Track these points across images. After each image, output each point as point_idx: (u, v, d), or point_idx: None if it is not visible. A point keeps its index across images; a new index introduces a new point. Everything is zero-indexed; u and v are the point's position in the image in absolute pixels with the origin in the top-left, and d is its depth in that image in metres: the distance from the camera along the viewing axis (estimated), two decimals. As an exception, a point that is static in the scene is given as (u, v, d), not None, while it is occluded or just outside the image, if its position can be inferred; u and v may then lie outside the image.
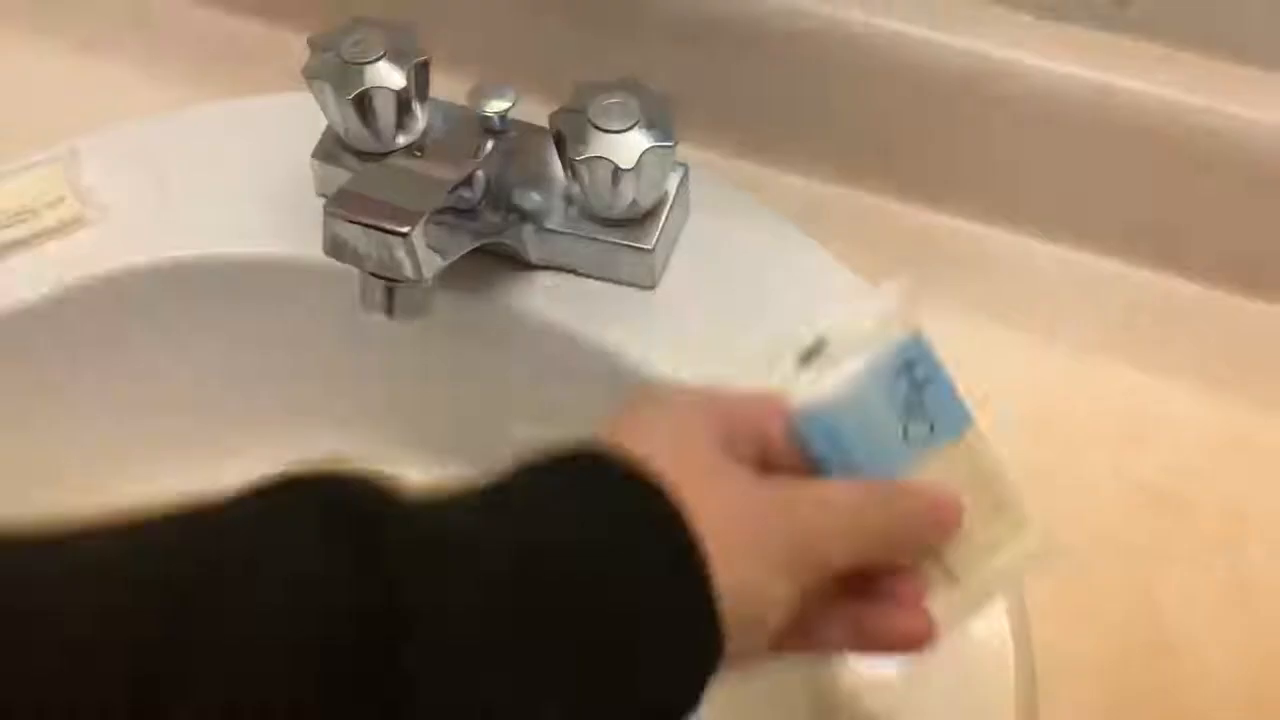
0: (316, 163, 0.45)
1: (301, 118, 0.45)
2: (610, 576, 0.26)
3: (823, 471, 0.30)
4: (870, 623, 0.30)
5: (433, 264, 0.39)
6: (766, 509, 0.28)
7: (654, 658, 0.26)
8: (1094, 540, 0.40)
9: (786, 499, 0.29)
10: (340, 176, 0.42)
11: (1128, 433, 0.43)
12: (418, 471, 0.49)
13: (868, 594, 0.30)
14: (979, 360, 0.34)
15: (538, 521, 0.26)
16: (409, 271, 0.38)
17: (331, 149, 0.45)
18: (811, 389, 0.30)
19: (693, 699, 0.27)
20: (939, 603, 0.31)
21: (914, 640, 0.30)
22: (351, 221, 0.37)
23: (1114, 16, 0.43)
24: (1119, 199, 0.46)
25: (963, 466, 0.32)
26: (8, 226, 0.45)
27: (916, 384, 0.31)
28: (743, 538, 0.27)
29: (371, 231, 0.37)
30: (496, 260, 0.44)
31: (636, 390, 0.32)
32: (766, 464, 0.30)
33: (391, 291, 0.39)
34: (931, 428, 0.31)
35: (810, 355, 0.31)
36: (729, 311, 0.43)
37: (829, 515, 0.29)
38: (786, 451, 0.30)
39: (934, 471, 0.31)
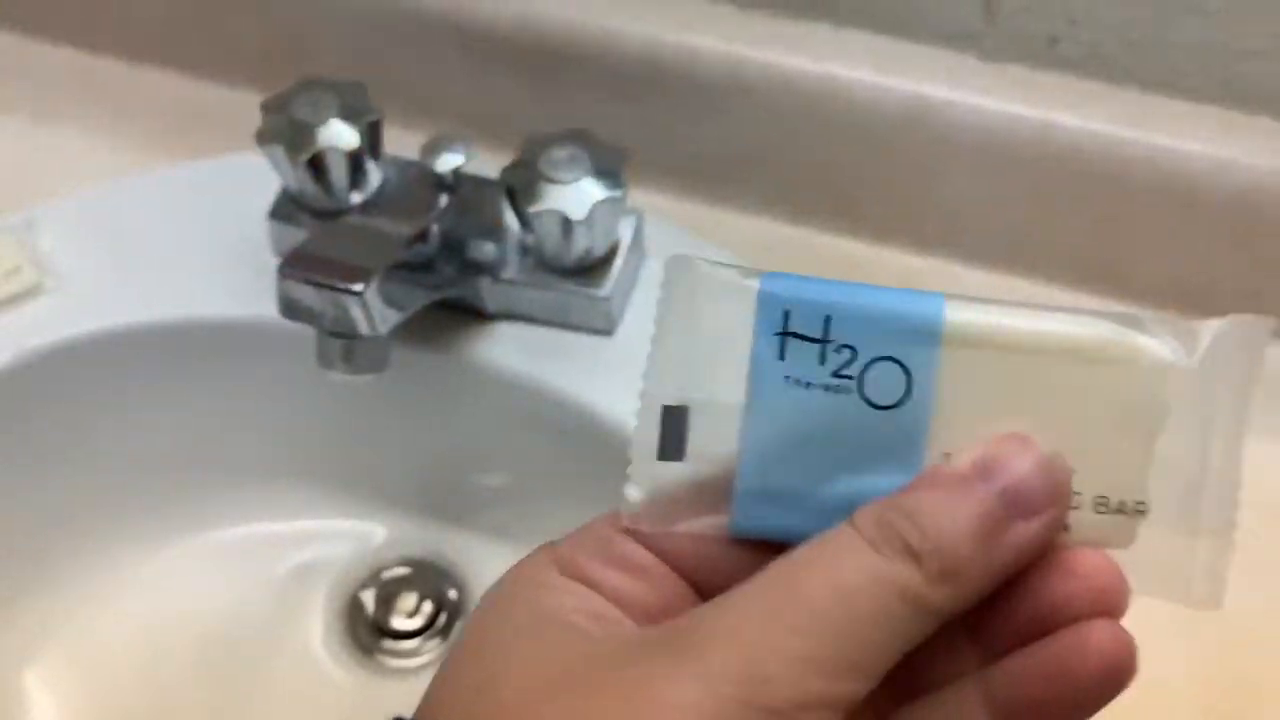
0: (273, 223, 0.45)
1: (257, 178, 0.45)
2: None
3: (793, 542, 0.21)
4: (1020, 671, 0.21)
5: (389, 319, 0.39)
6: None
7: None
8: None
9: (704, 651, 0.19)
10: (297, 236, 0.42)
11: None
12: (381, 526, 0.49)
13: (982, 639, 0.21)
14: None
15: None
16: (364, 328, 0.39)
17: (287, 209, 0.45)
18: (700, 469, 0.22)
19: None
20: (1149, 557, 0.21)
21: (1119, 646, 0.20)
22: (304, 282, 0.37)
23: (1052, 56, 0.45)
24: (1061, 231, 0.47)
25: (987, 367, 0.21)
26: (-34, 297, 0.45)
27: (813, 335, 0.22)
28: None
29: (325, 291, 0.37)
30: (454, 313, 0.45)
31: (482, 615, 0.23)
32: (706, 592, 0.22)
33: (349, 348, 0.40)
34: (895, 361, 0.21)
35: (671, 439, 0.22)
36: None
37: (805, 631, 0.19)
38: (706, 561, 0.22)
39: (958, 414, 0.21)
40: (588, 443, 0.43)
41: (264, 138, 0.43)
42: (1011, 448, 0.21)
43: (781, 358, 0.22)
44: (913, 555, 0.20)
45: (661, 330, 0.22)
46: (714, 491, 0.22)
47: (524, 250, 0.44)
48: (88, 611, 0.47)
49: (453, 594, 0.48)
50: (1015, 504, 0.20)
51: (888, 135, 0.46)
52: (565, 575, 0.22)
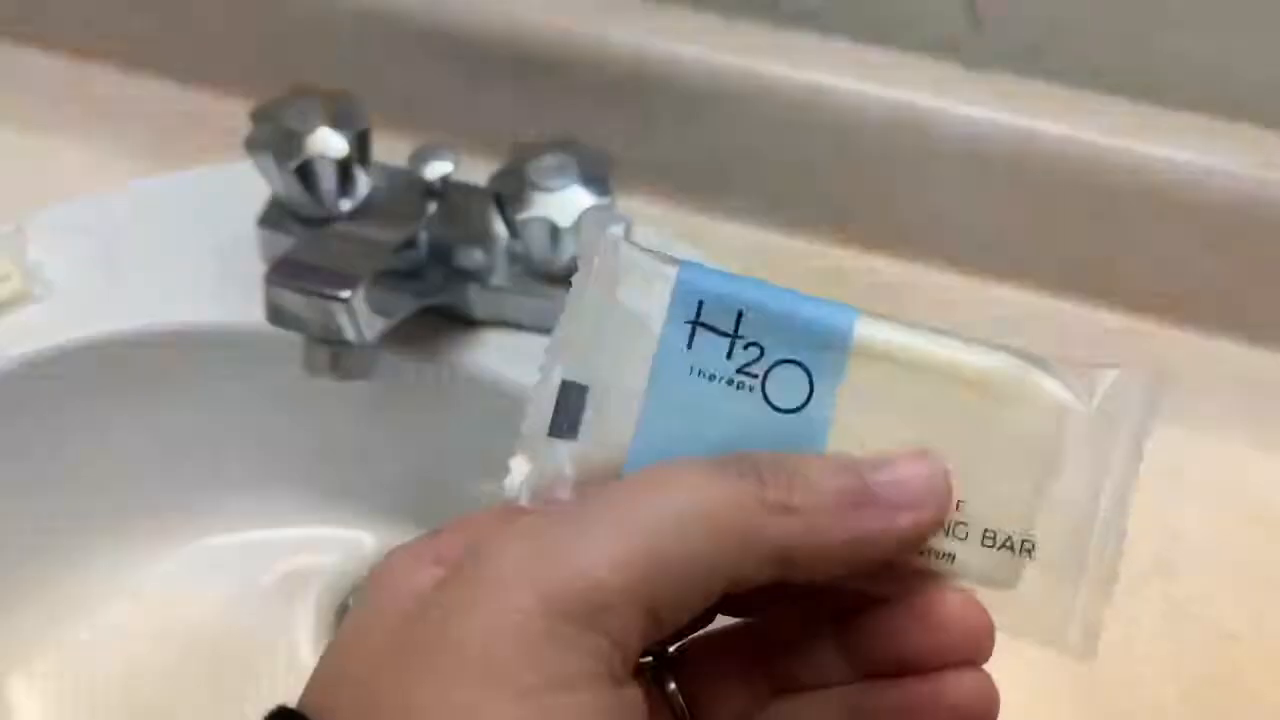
0: (262, 231, 0.45)
1: (247, 186, 0.45)
2: None
3: None
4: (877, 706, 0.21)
5: (376, 326, 0.40)
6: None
7: None
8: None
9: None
10: (286, 244, 0.42)
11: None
12: (370, 534, 0.49)
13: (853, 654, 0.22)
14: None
15: None
16: (351, 335, 0.39)
17: (277, 217, 0.45)
18: (591, 451, 0.21)
19: None
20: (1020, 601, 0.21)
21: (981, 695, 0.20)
22: (291, 289, 0.37)
23: (1036, 65, 0.45)
24: (1045, 238, 0.47)
25: (889, 385, 0.21)
26: (-46, 305, 0.45)
27: (724, 329, 0.21)
28: None
29: (312, 298, 0.37)
30: (442, 320, 0.45)
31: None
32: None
33: (336, 355, 0.40)
34: (800, 365, 0.21)
35: (565, 416, 0.21)
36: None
37: (616, 525, 0.19)
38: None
39: (854, 427, 0.21)
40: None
41: (253, 145, 0.43)
42: (907, 450, 0.21)
43: (689, 347, 0.21)
44: (759, 480, 0.20)
45: (573, 302, 0.22)
46: (602, 476, 0.21)
47: (512, 257, 0.44)
48: (75, 620, 0.47)
49: (441, 601, 0.48)
50: (887, 489, 0.20)
51: (873, 143, 0.46)
52: (437, 565, 0.21)
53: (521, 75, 0.48)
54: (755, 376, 0.21)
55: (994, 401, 0.21)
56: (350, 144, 0.43)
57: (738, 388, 0.21)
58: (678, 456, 0.20)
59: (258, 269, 0.45)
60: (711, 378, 0.21)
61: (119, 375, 0.46)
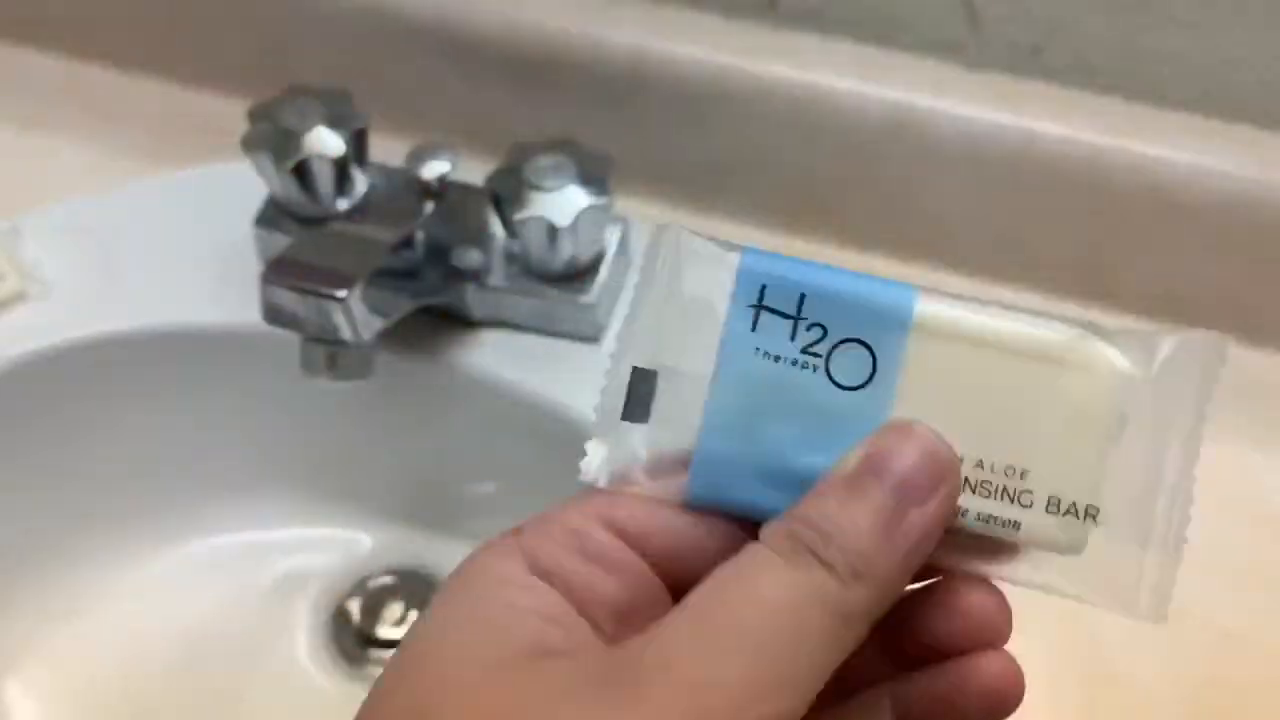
0: (258, 230, 0.45)
1: (243, 186, 0.45)
2: None
3: (753, 518, 0.22)
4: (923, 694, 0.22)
5: (372, 326, 0.40)
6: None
7: None
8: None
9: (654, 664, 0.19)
10: (283, 243, 0.42)
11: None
12: (367, 535, 0.49)
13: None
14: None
15: None
16: (348, 334, 0.39)
17: (274, 216, 0.45)
18: (662, 434, 0.22)
19: None
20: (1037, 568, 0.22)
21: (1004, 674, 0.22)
22: (288, 288, 0.37)
23: (1035, 65, 0.45)
24: (1045, 239, 0.47)
25: (951, 360, 0.22)
26: (-50, 305, 0.45)
27: (787, 311, 0.22)
28: None
29: (308, 297, 0.37)
30: (439, 319, 0.45)
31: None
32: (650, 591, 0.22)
33: (333, 355, 0.40)
34: (863, 343, 0.22)
35: (637, 401, 0.22)
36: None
37: (737, 653, 0.19)
38: (672, 549, 0.22)
39: (918, 402, 0.22)
40: (573, 450, 0.43)
41: (250, 145, 0.43)
42: (893, 439, 0.21)
43: (754, 330, 0.22)
44: (823, 562, 0.20)
45: (640, 294, 0.23)
46: (675, 459, 0.22)
47: (510, 257, 0.44)
48: (72, 621, 0.47)
49: (439, 602, 0.48)
50: (906, 494, 0.21)
51: (872, 144, 0.46)
52: (532, 572, 0.22)
53: (519, 74, 0.48)
54: (819, 356, 0.22)
55: (1054, 371, 0.22)
56: (347, 143, 0.43)
57: (802, 367, 0.22)
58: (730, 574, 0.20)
59: (255, 268, 0.45)
60: (777, 359, 0.22)
61: (115, 375, 0.46)
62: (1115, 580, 0.22)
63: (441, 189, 0.43)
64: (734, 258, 0.22)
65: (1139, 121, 0.45)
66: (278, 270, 0.38)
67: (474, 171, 0.43)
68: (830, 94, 0.46)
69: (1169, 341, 0.22)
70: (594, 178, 0.42)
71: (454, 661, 0.21)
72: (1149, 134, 0.44)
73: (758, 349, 0.22)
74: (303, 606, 0.48)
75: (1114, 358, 0.22)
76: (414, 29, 0.49)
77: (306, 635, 0.48)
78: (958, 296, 0.22)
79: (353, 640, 0.48)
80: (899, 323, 0.22)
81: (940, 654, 0.22)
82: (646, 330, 0.22)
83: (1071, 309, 0.48)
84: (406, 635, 0.22)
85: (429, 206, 0.42)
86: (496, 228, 0.44)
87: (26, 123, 0.53)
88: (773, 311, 0.22)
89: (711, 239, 0.23)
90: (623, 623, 0.22)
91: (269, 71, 0.47)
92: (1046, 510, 0.22)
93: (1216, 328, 0.47)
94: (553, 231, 0.41)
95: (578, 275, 0.44)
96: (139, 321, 0.46)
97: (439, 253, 0.43)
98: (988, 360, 0.22)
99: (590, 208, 0.42)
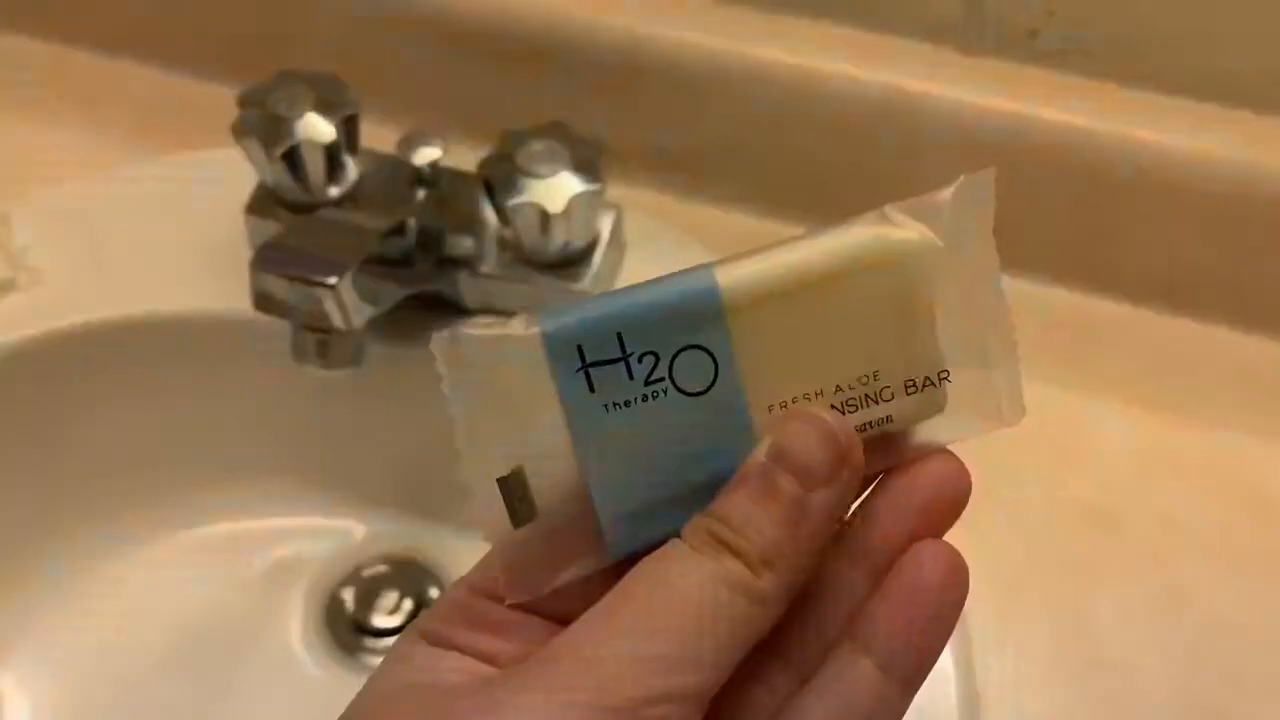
0: (249, 217, 0.45)
1: (234, 173, 0.45)
2: None
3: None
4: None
5: (363, 313, 0.39)
6: None
7: None
8: (1027, 559, 0.41)
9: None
10: (273, 230, 0.42)
11: (1055, 451, 0.44)
12: (361, 523, 0.49)
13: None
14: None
15: None
16: (338, 322, 0.38)
17: (264, 203, 0.45)
18: (556, 518, 0.22)
19: None
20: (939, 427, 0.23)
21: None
22: (277, 275, 0.37)
23: (1031, 49, 0.45)
24: (1040, 224, 0.47)
25: (772, 317, 0.22)
26: (-61, 293, 0.45)
27: (613, 356, 0.22)
28: None
29: (299, 285, 0.37)
30: (432, 307, 0.44)
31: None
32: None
33: (324, 342, 0.39)
34: (694, 347, 0.22)
35: (520, 504, 0.22)
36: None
37: (643, 633, 0.21)
38: (559, 594, 0.23)
39: (765, 370, 0.22)
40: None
41: (240, 131, 0.42)
42: (796, 428, 0.22)
43: (592, 391, 0.22)
44: (732, 551, 0.21)
45: (459, 411, 0.22)
46: (579, 534, 0.22)
47: (502, 244, 0.44)
48: (63, 610, 0.47)
49: (434, 591, 0.48)
50: (811, 480, 0.22)
51: (867, 128, 0.46)
52: (434, 646, 0.23)
53: (511, 60, 0.48)
54: (663, 379, 0.22)
55: (861, 277, 0.22)
56: (338, 129, 0.43)
57: (654, 397, 0.22)
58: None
59: (245, 256, 0.44)
60: (627, 404, 0.22)
61: (104, 363, 0.46)
62: (979, 407, 0.23)
63: (433, 175, 0.42)
64: (534, 332, 0.22)
65: (1136, 106, 0.44)
66: (268, 257, 0.38)
67: (466, 158, 0.43)
68: (825, 78, 0.45)
69: (945, 195, 0.23)
70: (587, 163, 0.42)
71: (375, 708, 0.22)
72: (1146, 119, 0.44)
73: (605, 405, 0.22)
74: (296, 595, 0.48)
75: (906, 238, 0.23)
76: (404, 14, 0.48)
77: (300, 624, 0.47)
78: (753, 252, 0.23)
79: (347, 629, 0.48)
80: (713, 313, 0.22)
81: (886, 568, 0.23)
82: (487, 439, 0.22)
83: (1066, 295, 0.47)
84: None
85: (420, 193, 0.42)
86: (489, 214, 0.43)
87: (13, 108, 0.52)
88: (600, 364, 0.22)
89: (490, 321, 0.22)
90: None
91: (259, 57, 0.46)
92: (907, 394, 0.23)
93: (1213, 312, 0.47)
94: (545, 218, 0.41)
95: (571, 262, 0.44)
96: (129, 309, 0.45)
97: (431, 240, 0.43)
98: (804, 302, 0.22)
99: (583, 194, 0.41)
